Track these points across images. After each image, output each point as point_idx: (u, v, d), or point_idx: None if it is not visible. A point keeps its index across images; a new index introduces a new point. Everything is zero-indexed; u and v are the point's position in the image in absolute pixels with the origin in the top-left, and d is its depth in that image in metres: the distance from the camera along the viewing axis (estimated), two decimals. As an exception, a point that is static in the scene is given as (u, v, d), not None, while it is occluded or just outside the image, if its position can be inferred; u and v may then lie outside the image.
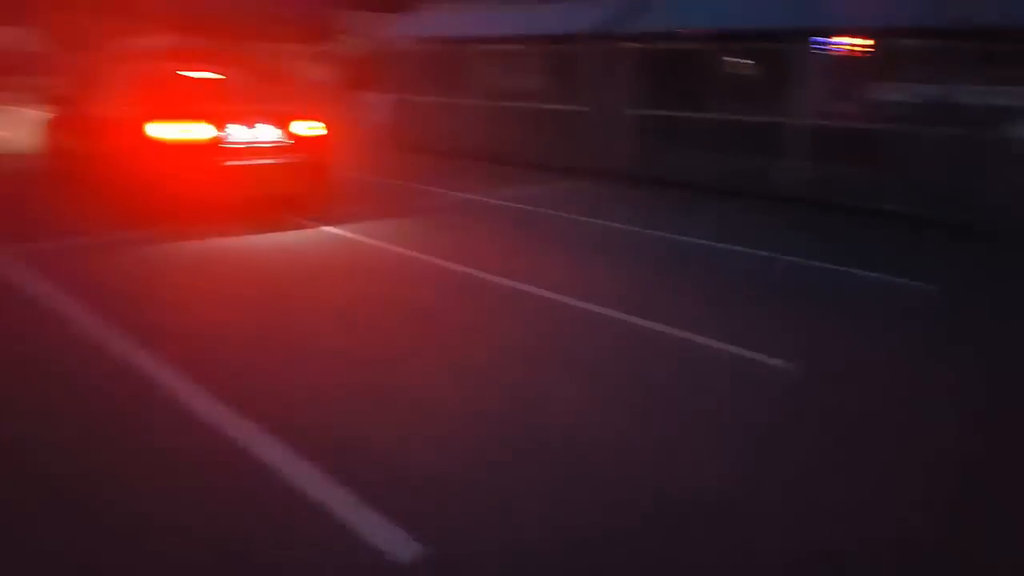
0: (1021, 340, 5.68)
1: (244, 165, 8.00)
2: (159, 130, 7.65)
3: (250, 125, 8.07)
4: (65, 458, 3.42)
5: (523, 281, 6.38)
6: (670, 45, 11.72)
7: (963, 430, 4.07)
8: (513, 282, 6.40)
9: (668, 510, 3.18)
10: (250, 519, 3.03)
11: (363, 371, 4.49)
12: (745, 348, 4.97)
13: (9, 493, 3.16)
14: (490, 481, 3.34)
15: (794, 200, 10.09)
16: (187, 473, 3.34)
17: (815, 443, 3.84)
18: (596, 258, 7.62)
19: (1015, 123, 9.01)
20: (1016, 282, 7.38)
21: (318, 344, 4.90)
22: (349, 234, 8.05)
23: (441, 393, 4.24)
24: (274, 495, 3.18)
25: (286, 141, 8.31)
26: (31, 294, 5.67)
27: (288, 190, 8.56)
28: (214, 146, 7.81)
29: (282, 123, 8.31)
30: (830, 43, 10.23)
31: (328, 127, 8.73)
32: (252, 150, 8.07)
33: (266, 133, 8.17)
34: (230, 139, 7.92)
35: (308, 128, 8.53)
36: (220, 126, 7.85)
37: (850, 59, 10.33)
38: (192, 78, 8.85)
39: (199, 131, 7.77)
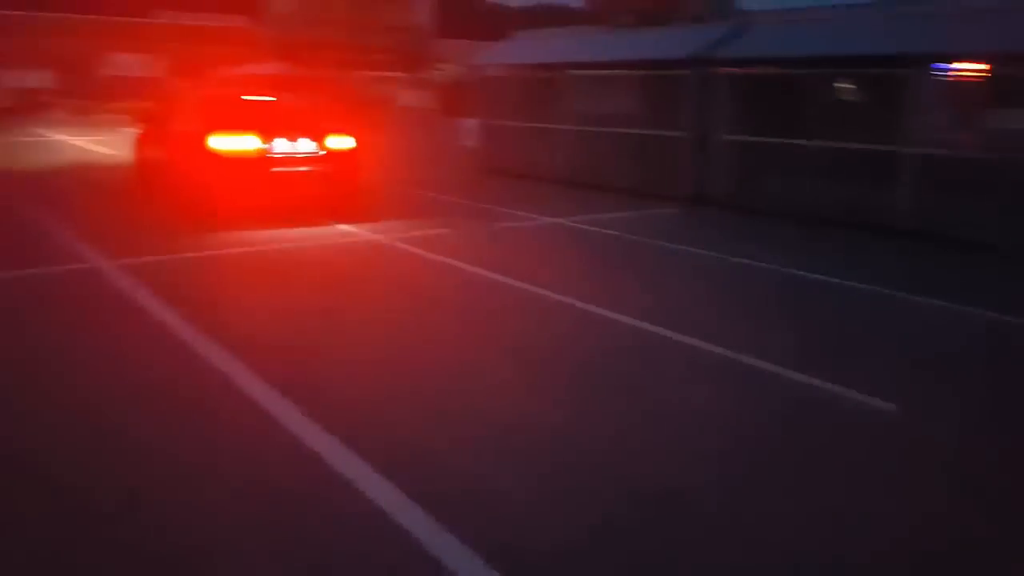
0: None
1: (286, 172, 9.47)
2: (217, 142, 9.18)
3: (292, 139, 9.56)
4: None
5: (624, 313, 6.01)
6: (772, 71, 11.21)
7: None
8: (608, 312, 6.07)
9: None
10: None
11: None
12: (857, 391, 4.49)
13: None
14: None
15: (907, 232, 9.37)
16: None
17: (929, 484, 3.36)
18: (692, 289, 7.21)
19: None
20: None
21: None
22: (424, 252, 7.92)
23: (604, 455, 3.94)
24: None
25: (320, 152, 9.76)
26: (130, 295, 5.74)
27: (320, 193, 9.84)
28: (262, 156, 9.31)
29: (318, 137, 9.77)
30: (949, 69, 9.54)
31: (359, 141, 10.18)
32: (292, 159, 9.55)
33: (304, 146, 9.64)
34: (275, 150, 9.42)
35: (340, 142, 9.98)
36: (267, 139, 9.35)
37: (969, 85, 9.61)
38: (249, 100, 10.39)
39: (249, 143, 9.28)
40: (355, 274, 7.28)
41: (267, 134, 9.40)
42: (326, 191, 9.82)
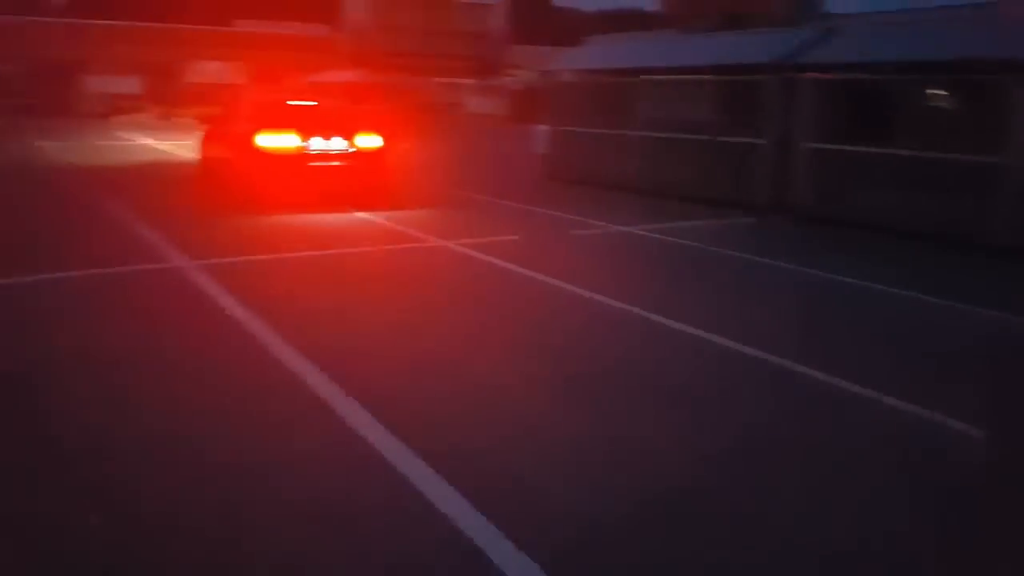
0: None
1: (321, 166, 10.74)
2: (263, 140, 10.51)
3: (327, 137, 10.81)
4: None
5: (701, 327, 5.66)
6: (860, 76, 10.63)
7: None
8: (689, 328, 5.73)
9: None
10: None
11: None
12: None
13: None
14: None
15: (1001, 249, 8.70)
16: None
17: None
18: (773, 303, 6.78)
19: None
20: None
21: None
22: (492, 259, 7.71)
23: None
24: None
25: (350, 150, 10.99)
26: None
27: (349, 186, 10.98)
28: (301, 152, 10.60)
29: (349, 136, 11.01)
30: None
31: (386, 140, 11.42)
32: (326, 155, 10.81)
33: (337, 143, 10.89)
34: (312, 148, 10.67)
35: (368, 140, 11.19)
36: (305, 138, 10.63)
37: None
38: (292, 104, 11.85)
39: (290, 141, 10.56)
40: (424, 279, 7.12)
41: (305, 133, 10.66)
42: (355, 183, 10.99)
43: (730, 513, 3.19)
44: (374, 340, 5.26)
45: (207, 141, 13.20)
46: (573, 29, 40.13)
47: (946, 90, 10.58)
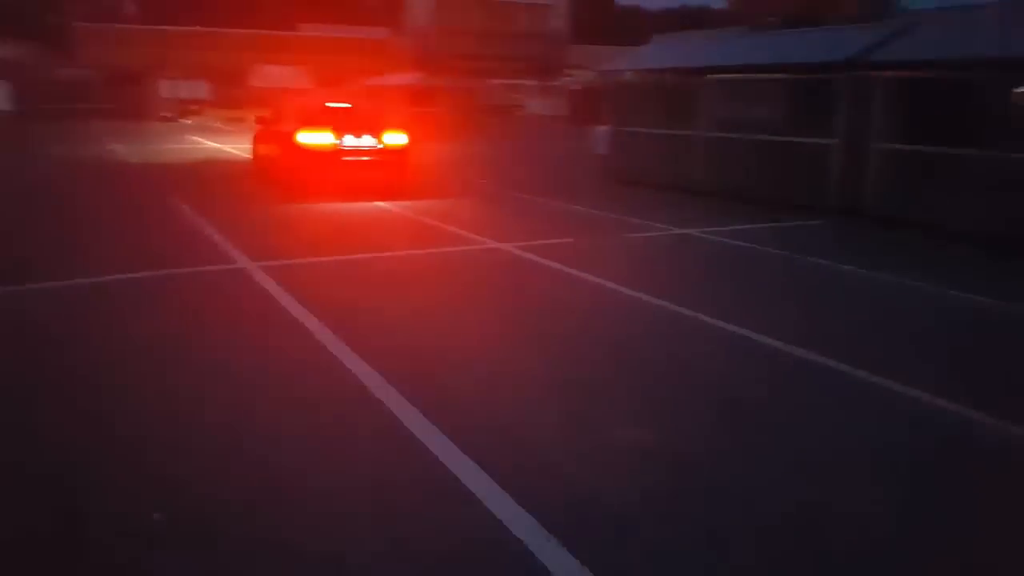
0: None
1: (353, 161, 12.16)
2: (302, 137, 11.99)
3: (357, 135, 12.21)
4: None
5: (784, 340, 5.35)
6: (937, 74, 10.09)
7: None
8: (768, 339, 5.45)
9: None
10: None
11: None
12: None
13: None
14: None
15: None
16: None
17: None
18: (859, 314, 6.40)
19: None
20: None
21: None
22: (550, 263, 7.51)
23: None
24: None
25: (377, 146, 12.34)
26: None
27: (377, 178, 12.31)
28: (335, 148, 12.02)
29: (377, 134, 12.38)
30: None
31: (410, 138, 12.81)
32: (357, 151, 12.21)
33: (367, 140, 12.28)
34: (345, 144, 12.09)
35: (394, 138, 12.54)
36: (339, 135, 12.07)
37: None
38: (330, 106, 13.32)
39: (325, 138, 12.00)
40: (480, 281, 6.98)
41: (339, 131, 12.09)
42: (382, 175, 12.35)
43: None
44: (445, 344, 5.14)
45: (257, 140, 14.89)
46: (636, 28, 39.65)
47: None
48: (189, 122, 38.62)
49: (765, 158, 12.16)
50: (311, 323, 5.44)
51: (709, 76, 13.33)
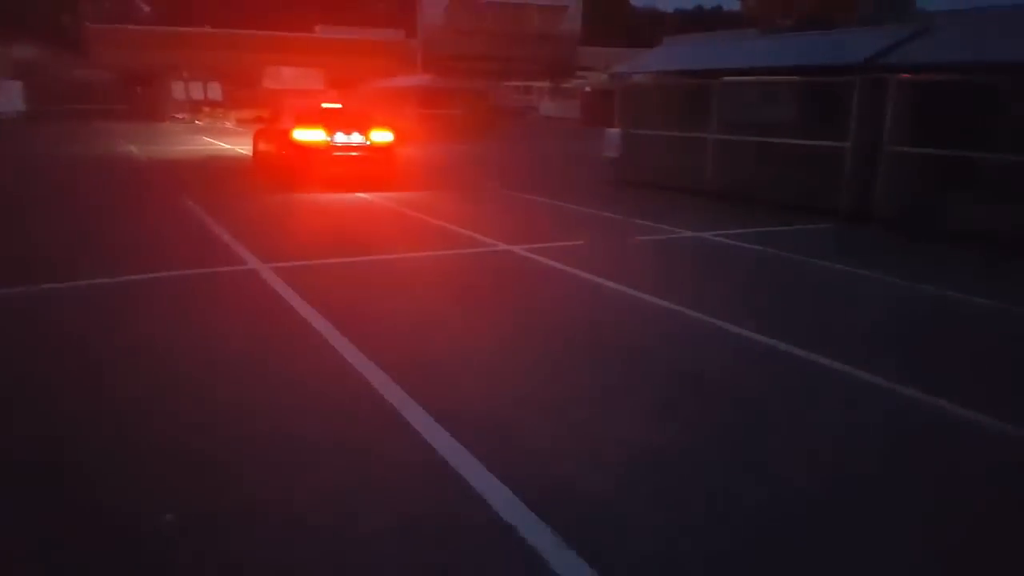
0: None
1: (343, 156, 13.39)
2: (298, 134, 13.26)
3: (347, 132, 13.45)
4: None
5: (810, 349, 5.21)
6: (955, 77, 9.91)
7: None
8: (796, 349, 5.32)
9: None
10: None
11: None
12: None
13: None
14: None
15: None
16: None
17: None
18: (878, 320, 6.25)
19: None
20: None
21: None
22: (562, 266, 7.38)
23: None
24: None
25: (365, 143, 13.58)
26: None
27: (364, 172, 13.49)
28: (327, 144, 13.25)
29: (364, 131, 13.62)
30: None
31: (396, 135, 14.08)
32: (347, 147, 13.43)
33: (355, 137, 13.52)
34: (336, 141, 13.32)
35: (380, 135, 13.75)
36: (330, 133, 13.30)
37: None
38: (323, 107, 14.64)
39: (317, 135, 13.24)
40: (493, 285, 6.88)
41: (331, 129, 13.29)
42: (367, 171, 13.48)
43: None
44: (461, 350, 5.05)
45: (257, 137, 16.25)
46: (650, 30, 39.47)
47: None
48: (201, 123, 38.72)
49: (778, 161, 12.01)
50: (316, 320, 5.36)
51: (722, 78, 13.19)
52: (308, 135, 13.15)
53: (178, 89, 43.75)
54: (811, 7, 16.49)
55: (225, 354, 4.89)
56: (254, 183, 14.13)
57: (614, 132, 15.85)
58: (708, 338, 5.51)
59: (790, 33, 15.32)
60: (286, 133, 13.45)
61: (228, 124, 37.28)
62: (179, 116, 40.88)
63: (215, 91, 44.83)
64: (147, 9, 57.23)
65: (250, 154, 17.30)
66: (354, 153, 13.44)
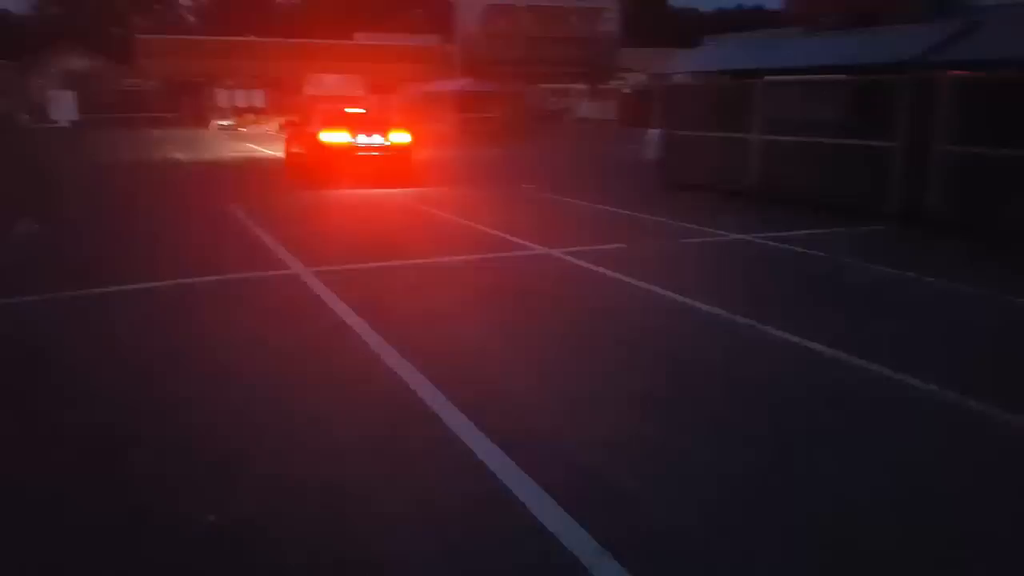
0: None
1: (365, 156, 14.61)
2: (324, 136, 14.56)
3: (368, 134, 14.74)
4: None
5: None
6: (1013, 74, 9.67)
7: None
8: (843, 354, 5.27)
9: None
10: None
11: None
12: None
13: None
14: None
15: None
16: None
17: None
18: (934, 327, 6.06)
19: None
20: None
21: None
22: (605, 271, 7.39)
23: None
24: None
25: (385, 143, 14.85)
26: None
27: (384, 171, 14.58)
28: (351, 146, 14.54)
29: (384, 133, 14.95)
30: None
31: (413, 136, 15.37)
32: (368, 147, 14.69)
33: (376, 139, 14.82)
34: (359, 142, 14.60)
35: (399, 136, 15.05)
36: (354, 135, 14.60)
37: None
38: (347, 111, 16.20)
39: (342, 137, 14.55)
40: (539, 290, 6.92)
41: (354, 131, 14.60)
42: (387, 169, 14.59)
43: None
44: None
45: (289, 140, 17.65)
46: (690, 30, 39.16)
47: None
48: (245, 130, 39.43)
49: (823, 161, 11.83)
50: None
51: (765, 78, 13.06)
52: (334, 137, 14.43)
53: (223, 97, 44.61)
54: (856, 6, 16.21)
55: (302, 381, 4.70)
56: (289, 183, 15.67)
57: (653, 133, 15.79)
58: (774, 353, 5.42)
59: (833, 32, 15.12)
60: (314, 136, 14.70)
61: (270, 130, 37.91)
62: (224, 123, 41.68)
63: (258, 98, 45.62)
64: (193, 20, 58.38)
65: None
66: (375, 153, 14.65)
